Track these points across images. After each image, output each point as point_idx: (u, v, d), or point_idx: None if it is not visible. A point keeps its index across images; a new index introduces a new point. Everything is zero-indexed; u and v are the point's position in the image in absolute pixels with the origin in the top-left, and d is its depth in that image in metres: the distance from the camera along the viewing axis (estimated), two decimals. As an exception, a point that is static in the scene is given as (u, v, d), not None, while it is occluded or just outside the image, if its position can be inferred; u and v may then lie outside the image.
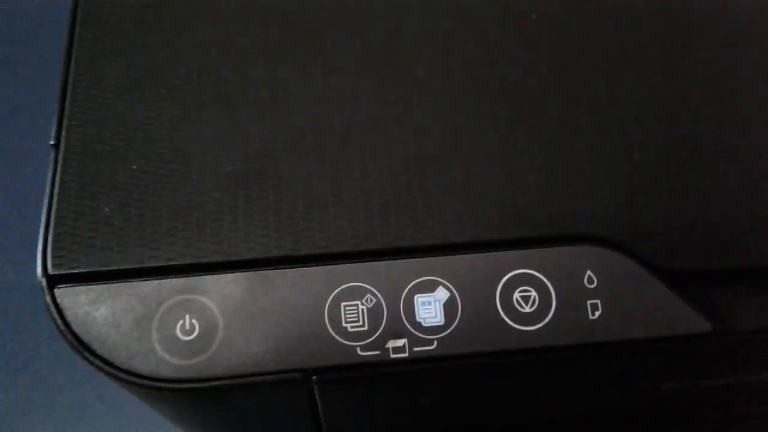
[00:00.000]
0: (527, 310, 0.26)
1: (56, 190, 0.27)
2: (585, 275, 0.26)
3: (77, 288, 0.26)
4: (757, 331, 0.26)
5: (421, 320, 0.26)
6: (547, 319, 0.26)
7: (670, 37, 0.31)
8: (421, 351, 0.26)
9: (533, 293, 0.26)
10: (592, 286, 0.26)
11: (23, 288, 0.49)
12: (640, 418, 0.35)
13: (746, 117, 0.29)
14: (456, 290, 0.26)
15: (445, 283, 0.26)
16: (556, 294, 0.26)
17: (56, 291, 0.26)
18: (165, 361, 0.25)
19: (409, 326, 0.26)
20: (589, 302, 0.26)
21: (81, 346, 0.25)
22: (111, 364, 0.25)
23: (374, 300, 0.26)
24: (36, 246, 0.27)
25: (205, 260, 0.26)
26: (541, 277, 0.26)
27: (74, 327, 0.26)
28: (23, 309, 0.49)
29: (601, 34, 0.31)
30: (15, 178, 0.53)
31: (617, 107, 0.29)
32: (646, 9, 0.32)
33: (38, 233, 0.27)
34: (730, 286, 0.27)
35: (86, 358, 0.25)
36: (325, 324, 0.26)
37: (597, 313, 0.26)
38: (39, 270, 0.26)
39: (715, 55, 0.31)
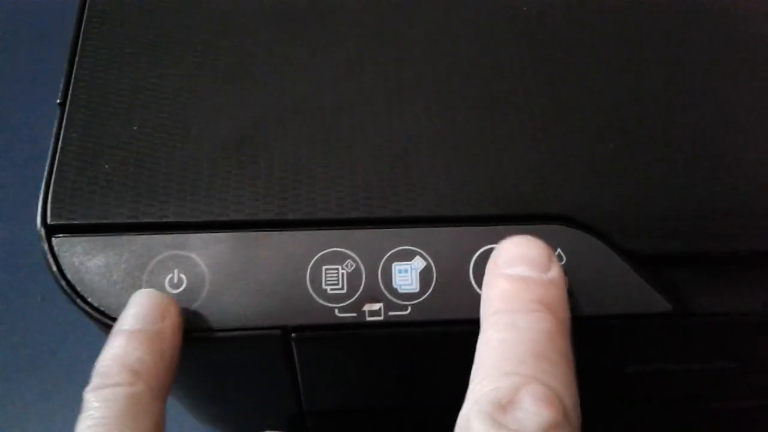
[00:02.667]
0: (498, 282, 0.27)
1: (60, 146, 0.29)
2: (555, 253, 0.28)
3: (74, 238, 0.27)
4: (715, 314, 0.28)
5: (397, 287, 0.27)
6: (516, 292, 0.27)
7: (647, 27, 0.33)
8: (395, 315, 0.27)
9: (505, 267, 0.27)
10: (561, 263, 0.27)
11: (18, 249, 0.50)
12: (607, 404, 0.37)
13: (715, 105, 0.31)
14: (432, 260, 0.28)
15: (422, 252, 0.28)
16: (526, 269, 0.27)
17: (54, 240, 0.27)
18: (152, 311, 0.27)
19: (385, 291, 0.27)
20: (557, 278, 0.27)
21: (74, 293, 0.27)
22: (101, 312, 0.27)
23: (354, 265, 0.27)
24: (32, 209, 0.28)
25: (196, 219, 0.28)
26: (513, 252, 0.28)
27: (68, 275, 0.27)
28: (17, 270, 0.50)
29: (581, 24, 0.32)
30: (15, 141, 0.54)
31: (593, 93, 0.31)
32: (625, 3, 0.33)
33: (35, 196, 0.28)
34: (693, 269, 0.28)
35: (78, 305, 0.27)
36: (306, 285, 0.27)
37: (566, 287, 0.27)
38: (39, 220, 0.28)
39: (694, 45, 0.32)
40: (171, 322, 0.26)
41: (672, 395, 0.37)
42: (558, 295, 0.26)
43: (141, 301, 0.26)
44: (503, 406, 0.22)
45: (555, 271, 0.26)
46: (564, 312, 0.25)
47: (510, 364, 0.23)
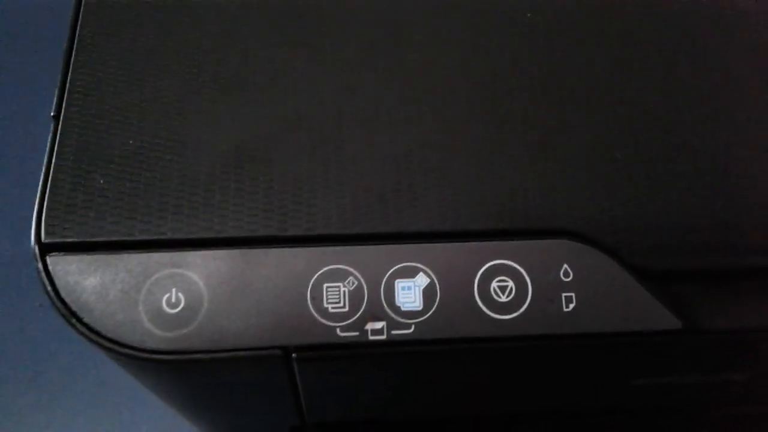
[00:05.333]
0: (503, 299, 0.27)
1: (54, 161, 0.28)
2: (561, 268, 0.27)
3: (69, 257, 0.27)
4: (725, 331, 0.27)
5: (400, 304, 0.27)
6: (522, 309, 0.27)
7: (652, 37, 0.32)
8: (398, 334, 0.26)
9: (510, 283, 0.27)
10: (567, 280, 0.27)
11: (16, 258, 0.50)
12: (609, 415, 0.36)
13: (726, 119, 0.30)
14: (435, 277, 0.27)
15: (426, 269, 0.27)
16: (532, 285, 0.27)
17: (48, 258, 0.27)
18: (150, 333, 0.26)
19: (388, 310, 0.27)
20: (563, 295, 0.27)
21: (69, 314, 0.26)
22: (97, 333, 0.26)
23: (356, 283, 0.27)
24: (29, 216, 0.28)
25: (193, 236, 0.27)
26: (519, 268, 0.27)
27: (63, 294, 0.26)
28: (15, 277, 0.49)
29: (589, 33, 0.32)
30: (12, 154, 0.54)
31: (601, 107, 0.30)
32: (630, 11, 0.32)
33: (31, 203, 0.28)
34: (702, 286, 0.28)
35: (74, 326, 0.26)
36: (307, 304, 0.26)
37: (571, 306, 0.27)
38: (32, 237, 0.27)
39: (699, 53, 0.31)
40: None
41: (676, 404, 0.37)
42: None
43: None
44: None
45: None
46: None
47: None
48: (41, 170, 0.28)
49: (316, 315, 0.26)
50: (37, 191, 0.28)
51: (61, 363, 0.48)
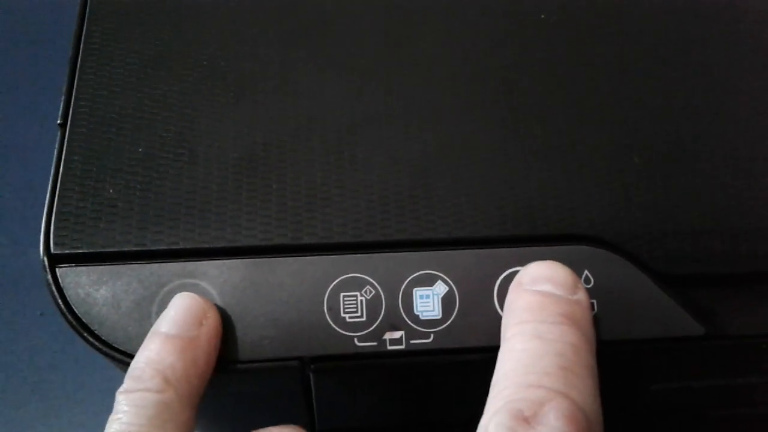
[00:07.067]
0: (524, 307, 0.26)
1: (61, 170, 0.28)
2: (582, 275, 0.27)
3: (78, 268, 0.26)
4: (748, 336, 0.27)
5: (419, 313, 0.26)
6: (543, 317, 0.26)
7: (671, 41, 0.31)
8: (417, 344, 0.26)
9: (531, 290, 0.26)
10: (588, 286, 0.26)
11: (16, 266, 0.49)
12: (626, 417, 0.36)
13: (746, 123, 0.30)
14: (454, 285, 0.26)
15: (444, 277, 0.27)
16: (553, 292, 0.26)
17: (58, 270, 0.26)
18: (164, 344, 0.25)
19: (406, 319, 0.26)
20: (585, 301, 0.26)
21: (80, 326, 0.26)
22: (110, 345, 0.26)
23: (373, 291, 0.26)
24: (31, 225, 0.27)
25: (206, 245, 0.27)
26: (539, 275, 0.27)
27: (74, 307, 0.26)
28: (16, 284, 0.49)
29: (605, 37, 0.31)
30: (16, 160, 0.53)
31: (620, 110, 0.29)
32: (647, 15, 0.32)
33: (34, 213, 0.27)
34: (724, 291, 0.27)
35: (85, 338, 0.26)
36: (324, 313, 0.26)
37: (592, 313, 0.26)
38: (41, 249, 0.26)
39: (717, 59, 0.31)
40: (207, 329, 0.25)
41: (694, 406, 0.37)
42: (585, 315, 0.25)
43: (180, 305, 0.25)
44: (526, 418, 0.21)
45: (582, 295, 0.25)
46: (590, 331, 0.24)
47: (534, 376, 0.23)
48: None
49: (333, 325, 0.26)
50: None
51: (62, 372, 0.47)
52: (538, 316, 0.24)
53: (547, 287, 0.25)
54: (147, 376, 0.24)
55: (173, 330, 0.25)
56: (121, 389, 0.24)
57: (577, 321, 0.24)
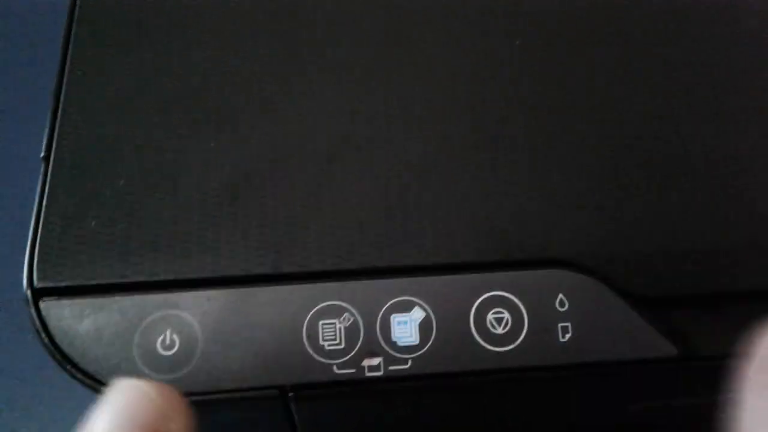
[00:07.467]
0: (500, 331, 0.27)
1: (44, 203, 0.28)
2: (557, 298, 0.27)
3: (62, 301, 0.27)
4: (720, 357, 0.27)
5: (397, 339, 0.27)
6: (518, 341, 0.27)
7: (652, 60, 0.32)
8: (395, 370, 0.26)
9: (506, 315, 0.27)
10: (563, 309, 0.27)
11: (3, 286, 0.49)
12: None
13: (717, 142, 0.30)
14: (431, 311, 0.27)
15: (421, 303, 0.27)
16: (528, 316, 0.27)
17: (41, 304, 0.27)
18: (145, 376, 0.26)
19: (384, 345, 0.26)
20: (560, 325, 0.27)
21: (64, 359, 0.26)
22: (92, 378, 0.26)
23: (351, 319, 0.27)
24: (21, 241, 0.27)
25: (187, 276, 0.27)
26: (515, 299, 0.27)
27: (58, 340, 0.26)
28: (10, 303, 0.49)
29: (580, 58, 0.32)
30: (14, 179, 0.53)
31: (593, 137, 0.30)
32: (633, 33, 0.32)
33: (23, 238, 0.28)
34: (697, 312, 0.28)
35: (68, 371, 0.26)
36: (303, 342, 0.26)
37: (567, 336, 0.27)
38: (25, 282, 0.27)
39: (697, 80, 0.32)
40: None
41: (672, 425, 0.37)
42: None
43: (118, 404, 0.18)
44: None
45: None
46: None
47: None
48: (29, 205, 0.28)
49: (312, 353, 0.26)
50: (23, 223, 0.27)
51: (55, 391, 0.48)
52: None
53: None
54: None
55: None
56: None
57: None
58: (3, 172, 0.53)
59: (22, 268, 0.27)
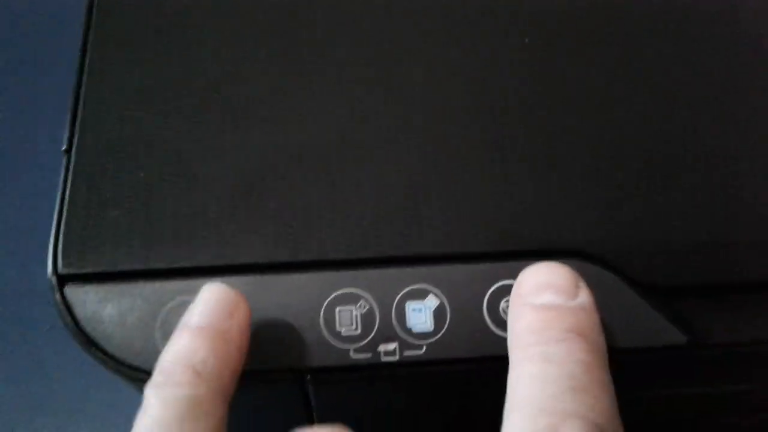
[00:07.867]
0: (512, 318, 0.27)
1: (67, 195, 0.29)
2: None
3: (86, 287, 0.27)
4: (729, 345, 0.28)
5: (412, 326, 0.27)
6: (531, 328, 0.27)
7: (659, 57, 0.33)
8: (410, 355, 0.27)
9: (518, 303, 0.27)
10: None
11: (22, 282, 0.50)
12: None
13: (729, 132, 0.31)
14: (445, 298, 0.28)
15: (436, 291, 0.28)
16: (540, 304, 0.27)
17: (66, 289, 0.27)
18: (167, 359, 0.26)
19: (399, 331, 0.27)
20: (571, 313, 0.27)
21: (89, 343, 0.27)
22: (117, 360, 0.27)
23: (367, 306, 0.27)
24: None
25: (207, 264, 0.28)
26: (527, 287, 0.28)
27: (82, 324, 0.27)
28: (22, 302, 0.50)
29: (589, 51, 0.32)
30: (19, 178, 0.54)
31: (605, 127, 0.31)
32: (634, 34, 0.33)
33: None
34: (705, 300, 0.28)
35: (94, 355, 0.27)
36: (320, 327, 0.27)
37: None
38: (49, 269, 0.28)
39: (704, 72, 0.32)
40: (238, 321, 0.25)
41: (683, 414, 0.37)
42: (589, 320, 0.24)
43: (210, 297, 0.25)
44: None
45: (584, 296, 0.25)
46: (598, 337, 0.24)
47: (547, 401, 0.22)
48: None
49: (329, 338, 0.27)
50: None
51: (72, 387, 0.48)
52: (543, 338, 0.24)
53: (548, 297, 0.25)
54: (178, 370, 0.23)
55: (204, 322, 0.24)
56: (149, 383, 0.24)
57: (584, 331, 0.24)
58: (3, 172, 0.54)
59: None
